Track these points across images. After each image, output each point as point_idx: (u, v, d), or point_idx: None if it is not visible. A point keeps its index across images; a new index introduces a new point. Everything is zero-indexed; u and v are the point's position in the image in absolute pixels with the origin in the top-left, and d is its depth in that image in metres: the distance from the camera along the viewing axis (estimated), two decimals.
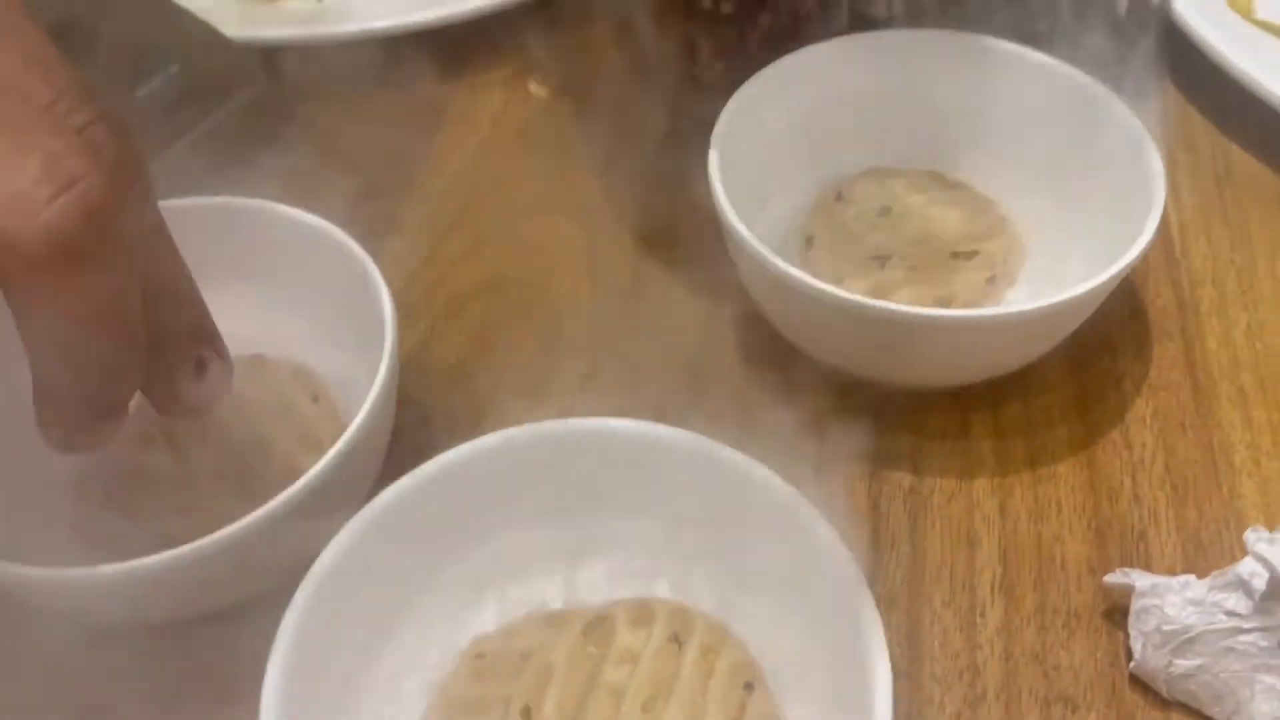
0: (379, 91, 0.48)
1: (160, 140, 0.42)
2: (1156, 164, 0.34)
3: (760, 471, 0.29)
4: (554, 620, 0.29)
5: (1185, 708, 0.29)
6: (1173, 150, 0.44)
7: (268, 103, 0.46)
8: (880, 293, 0.36)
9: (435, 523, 0.29)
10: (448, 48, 0.49)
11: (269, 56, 0.47)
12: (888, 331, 0.32)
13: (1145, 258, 0.33)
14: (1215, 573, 0.29)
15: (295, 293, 0.36)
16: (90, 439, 0.26)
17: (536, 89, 0.49)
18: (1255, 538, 0.27)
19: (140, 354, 0.25)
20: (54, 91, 0.23)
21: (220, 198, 0.36)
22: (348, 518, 0.28)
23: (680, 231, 0.42)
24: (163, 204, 0.27)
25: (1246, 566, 0.28)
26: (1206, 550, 0.32)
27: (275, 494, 0.28)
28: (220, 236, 0.35)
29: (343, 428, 0.29)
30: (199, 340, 0.28)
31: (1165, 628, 0.28)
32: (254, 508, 0.27)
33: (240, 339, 0.31)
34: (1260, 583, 0.28)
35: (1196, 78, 0.45)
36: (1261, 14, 0.46)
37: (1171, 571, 0.31)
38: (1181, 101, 0.46)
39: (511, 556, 0.30)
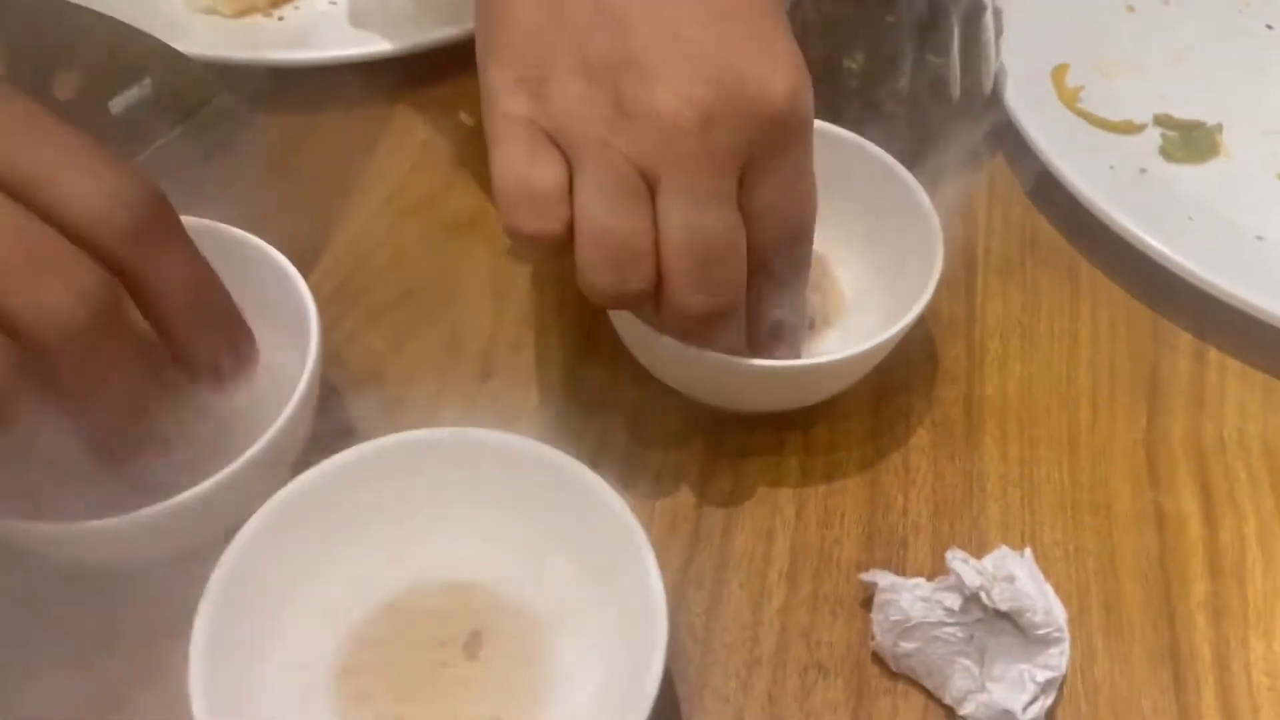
0: (324, 109, 0.56)
1: (129, 152, 0.49)
2: (938, 247, 0.42)
3: (582, 471, 0.37)
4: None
5: (908, 680, 0.38)
6: (990, 219, 0.52)
7: (224, 116, 0.53)
8: None
9: (346, 500, 0.37)
10: (388, 72, 0.56)
11: (227, 70, 0.53)
12: (719, 373, 0.40)
13: (931, 317, 0.42)
14: (940, 577, 0.38)
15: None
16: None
17: (465, 118, 0.56)
18: (953, 557, 0.36)
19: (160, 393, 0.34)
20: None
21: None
22: (275, 486, 0.36)
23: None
24: None
25: (955, 570, 0.37)
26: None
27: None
28: None
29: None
30: (233, 328, 0.37)
31: (894, 617, 0.37)
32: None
33: None
34: (967, 590, 0.36)
35: (1021, 158, 0.53)
36: (1084, 104, 0.55)
37: (920, 573, 0.40)
38: (1008, 178, 0.54)
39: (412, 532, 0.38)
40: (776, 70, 0.33)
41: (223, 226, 0.43)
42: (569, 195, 0.34)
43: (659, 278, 0.35)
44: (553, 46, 0.34)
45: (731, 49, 0.33)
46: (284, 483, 0.37)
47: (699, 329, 0.36)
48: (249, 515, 0.36)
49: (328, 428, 0.42)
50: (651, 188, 0.34)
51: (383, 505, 0.38)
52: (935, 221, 0.43)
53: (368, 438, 0.43)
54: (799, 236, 0.38)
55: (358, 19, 0.58)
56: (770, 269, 0.37)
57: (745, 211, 0.35)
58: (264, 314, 0.42)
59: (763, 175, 0.35)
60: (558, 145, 0.34)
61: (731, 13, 0.34)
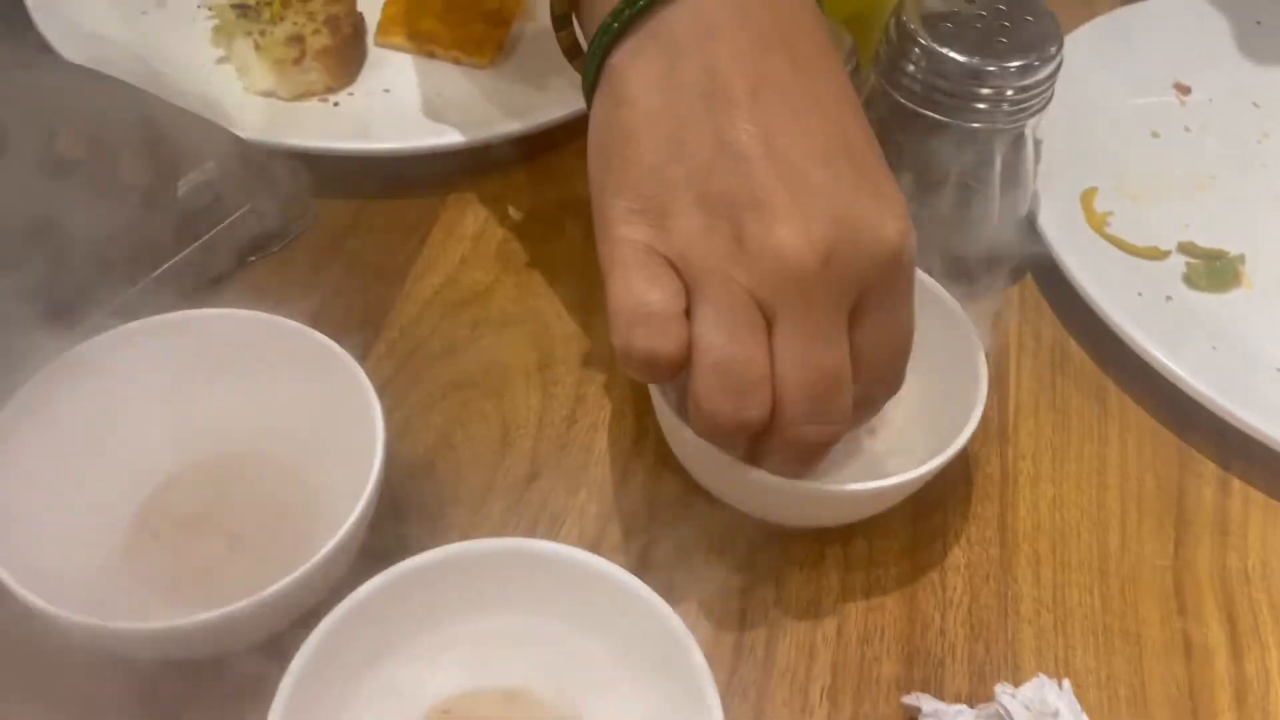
0: (376, 196, 0.57)
1: (194, 235, 0.50)
2: (982, 374, 0.44)
3: (631, 581, 0.38)
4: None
5: None
6: (1021, 336, 0.54)
7: (282, 200, 0.54)
8: None
9: (408, 605, 0.38)
10: (439, 162, 0.57)
11: (283, 155, 0.55)
12: (772, 493, 0.41)
13: (976, 438, 0.43)
14: (981, 705, 0.39)
15: (290, 394, 0.44)
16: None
17: (514, 212, 0.57)
18: (1001, 691, 0.37)
19: None
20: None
21: (226, 310, 0.44)
22: (331, 590, 0.37)
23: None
24: (174, 316, 0.41)
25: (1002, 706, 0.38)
26: (987, 681, 0.42)
27: (273, 563, 0.37)
28: (226, 343, 0.44)
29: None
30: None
31: None
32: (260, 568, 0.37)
33: (237, 435, 0.43)
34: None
35: (1051, 279, 0.55)
36: (1112, 229, 0.57)
37: (958, 695, 0.41)
38: (1038, 297, 0.56)
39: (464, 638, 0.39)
40: (889, 212, 0.36)
41: (287, 322, 0.43)
42: (686, 320, 0.35)
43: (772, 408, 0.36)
44: (675, 180, 0.36)
45: (848, 189, 0.35)
46: (339, 578, 0.38)
47: (806, 458, 0.38)
48: (301, 611, 0.37)
49: (379, 517, 0.42)
50: (769, 321, 0.35)
51: (433, 615, 0.39)
52: (979, 348, 0.45)
53: (418, 531, 0.45)
54: (895, 369, 0.39)
55: (414, 110, 0.60)
56: (860, 398, 0.39)
57: (851, 344, 0.37)
58: (325, 414, 0.43)
59: (870, 311, 0.37)
60: (677, 272, 0.35)
61: (846, 152, 0.36)
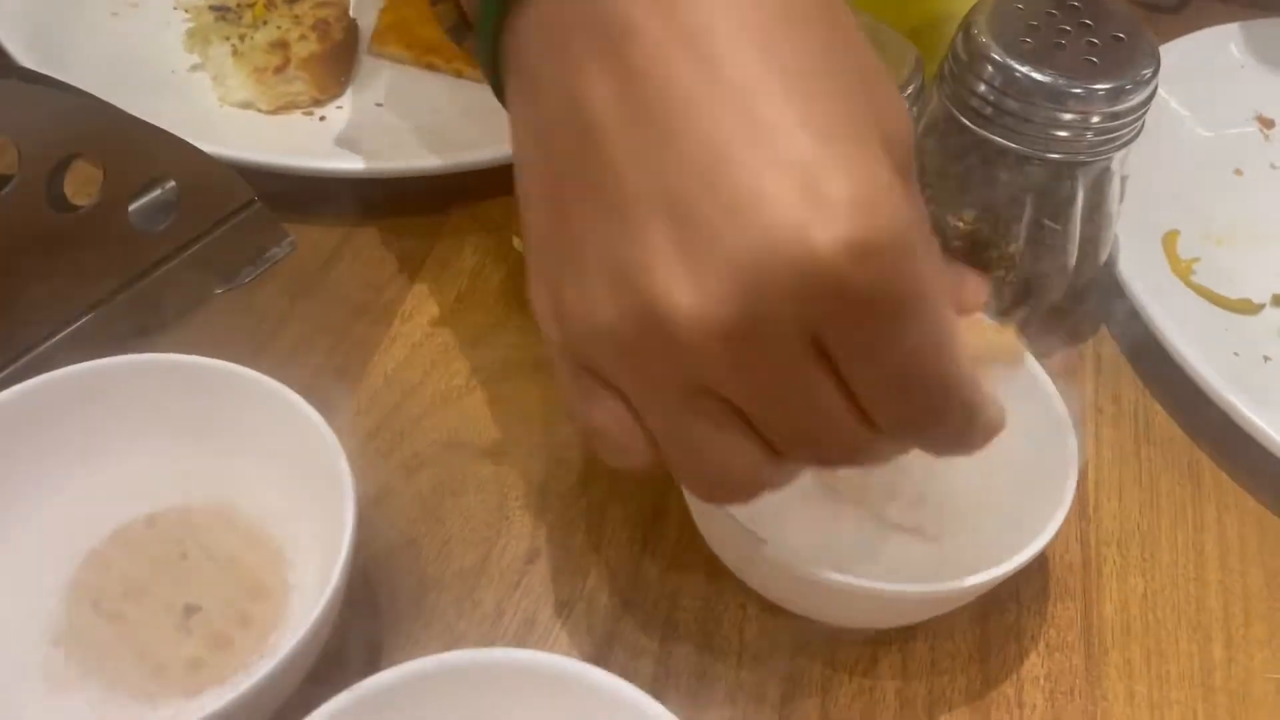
0: (364, 222, 0.50)
1: (143, 265, 0.43)
2: (1073, 445, 0.37)
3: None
4: None
5: None
6: (1099, 400, 0.47)
7: (253, 226, 0.47)
8: None
9: None
10: (437, 185, 0.51)
11: (260, 175, 0.48)
12: (819, 592, 0.34)
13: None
14: None
15: (256, 449, 0.38)
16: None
17: (518, 244, 0.50)
18: None
19: None
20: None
21: (186, 356, 0.38)
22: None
23: None
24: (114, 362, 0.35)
25: None
26: None
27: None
28: (184, 393, 0.37)
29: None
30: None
31: None
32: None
33: (201, 491, 0.37)
34: None
35: (1133, 334, 0.48)
36: (1199, 278, 0.50)
37: None
38: (1116, 354, 0.49)
39: None
40: (823, 214, 0.24)
41: (244, 371, 0.37)
42: (640, 428, 0.28)
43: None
44: (559, 254, 0.28)
45: (765, 208, 0.24)
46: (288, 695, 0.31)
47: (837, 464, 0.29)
48: None
49: (347, 607, 0.36)
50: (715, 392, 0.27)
51: None
52: (1067, 420, 0.38)
53: (394, 625, 0.38)
54: (921, 405, 0.28)
55: (409, 126, 0.53)
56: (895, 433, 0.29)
57: (854, 391, 0.27)
58: (290, 474, 0.37)
59: (843, 357, 0.26)
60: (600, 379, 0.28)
61: (779, 128, 0.25)
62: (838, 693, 0.37)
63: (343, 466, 0.35)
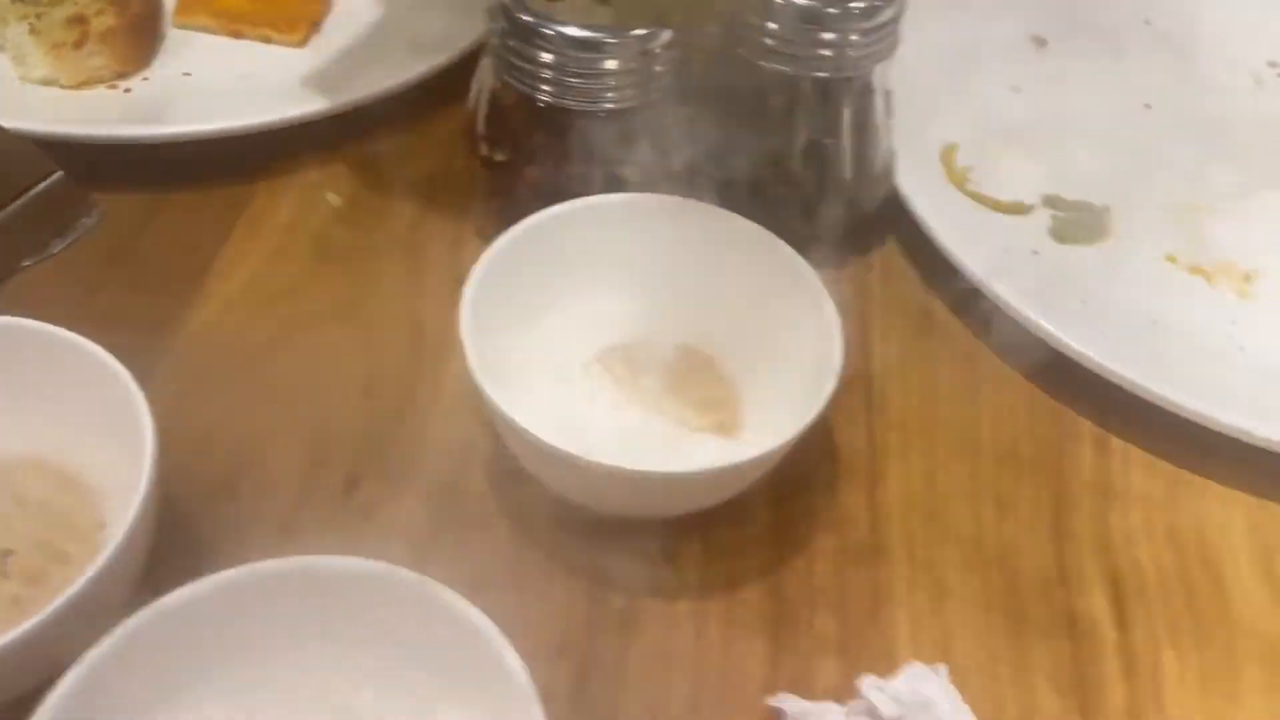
0: (175, 189, 0.51)
1: None
2: (837, 341, 0.40)
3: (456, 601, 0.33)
4: None
5: None
6: (885, 302, 0.51)
7: (57, 198, 0.48)
8: None
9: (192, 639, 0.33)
10: (248, 149, 0.52)
11: (65, 147, 0.48)
12: (605, 481, 0.37)
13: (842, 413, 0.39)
14: (851, 702, 0.35)
15: (60, 406, 0.39)
16: None
17: (333, 199, 0.52)
18: (868, 685, 0.33)
19: None
20: None
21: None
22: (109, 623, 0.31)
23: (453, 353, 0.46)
24: None
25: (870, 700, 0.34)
26: (863, 673, 0.38)
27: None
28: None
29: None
30: None
31: None
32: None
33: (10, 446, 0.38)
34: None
35: (912, 239, 0.52)
36: (974, 186, 0.54)
37: (830, 691, 0.37)
38: (900, 258, 0.52)
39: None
40: None
41: (46, 327, 0.38)
42: None
43: None
44: None
45: None
46: (120, 619, 0.32)
47: None
48: (78, 657, 0.31)
49: (173, 549, 0.37)
50: None
51: (227, 645, 0.33)
52: (833, 313, 0.41)
53: (216, 559, 0.39)
54: None
55: (218, 93, 0.54)
56: None
57: None
58: (100, 426, 0.38)
59: None
60: None
61: None
62: (641, 581, 0.40)
63: (144, 412, 0.36)
